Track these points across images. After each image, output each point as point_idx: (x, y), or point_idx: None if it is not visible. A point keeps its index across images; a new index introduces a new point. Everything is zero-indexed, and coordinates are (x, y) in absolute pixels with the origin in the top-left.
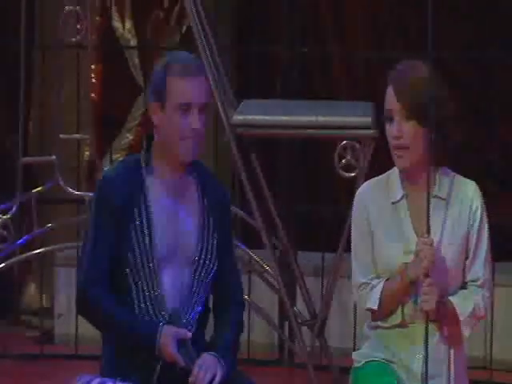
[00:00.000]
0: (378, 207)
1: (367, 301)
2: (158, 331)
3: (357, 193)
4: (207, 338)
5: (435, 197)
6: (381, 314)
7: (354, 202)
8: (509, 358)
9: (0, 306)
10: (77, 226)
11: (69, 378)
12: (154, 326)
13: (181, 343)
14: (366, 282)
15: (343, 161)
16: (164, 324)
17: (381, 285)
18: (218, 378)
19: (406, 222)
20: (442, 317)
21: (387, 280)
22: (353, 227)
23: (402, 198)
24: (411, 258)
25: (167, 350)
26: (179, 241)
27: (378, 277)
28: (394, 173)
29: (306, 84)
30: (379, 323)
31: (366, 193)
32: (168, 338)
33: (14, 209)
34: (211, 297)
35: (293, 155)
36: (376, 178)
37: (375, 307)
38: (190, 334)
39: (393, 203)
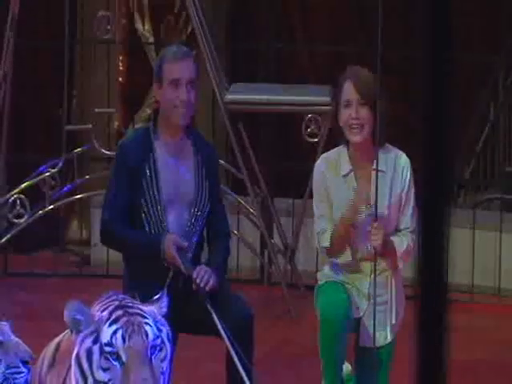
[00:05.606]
0: (331, 178)
1: (324, 241)
2: (162, 237)
3: (316, 164)
4: (202, 260)
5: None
6: (333, 251)
7: (314, 172)
8: None
9: (50, 237)
10: (107, 177)
11: (101, 292)
12: (159, 235)
13: (180, 251)
14: (324, 229)
15: (309, 129)
16: (167, 234)
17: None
18: (212, 281)
19: (353, 190)
20: (386, 251)
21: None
22: (314, 191)
23: (349, 172)
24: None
25: (169, 252)
26: (180, 188)
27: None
28: (343, 151)
29: (281, 72)
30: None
31: (322, 166)
32: (169, 242)
33: (60, 164)
34: (205, 230)
35: (271, 125)
36: (328, 153)
37: (328, 245)
38: (186, 244)
39: (343, 176)
